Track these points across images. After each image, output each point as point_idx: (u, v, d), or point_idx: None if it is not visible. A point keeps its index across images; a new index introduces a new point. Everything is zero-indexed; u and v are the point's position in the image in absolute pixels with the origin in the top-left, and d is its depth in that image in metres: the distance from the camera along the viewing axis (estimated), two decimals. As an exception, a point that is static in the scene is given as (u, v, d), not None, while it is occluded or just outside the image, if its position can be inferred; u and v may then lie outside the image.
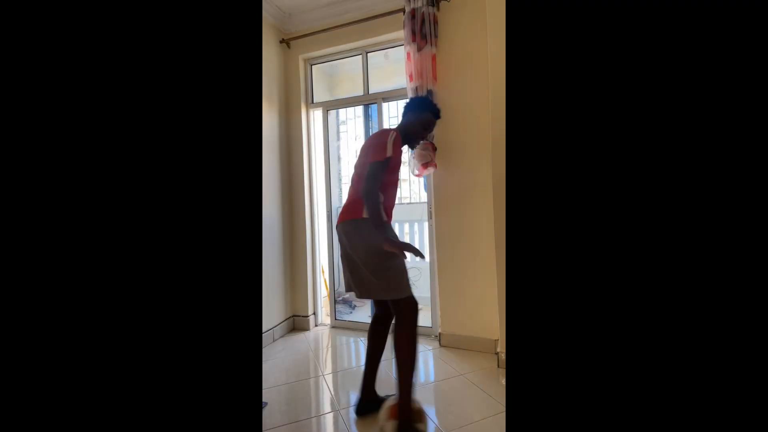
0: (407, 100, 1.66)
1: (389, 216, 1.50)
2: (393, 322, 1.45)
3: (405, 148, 1.77)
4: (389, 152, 1.40)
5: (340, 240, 1.47)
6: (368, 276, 1.37)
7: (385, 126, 2.58)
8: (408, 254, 1.37)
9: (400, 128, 1.57)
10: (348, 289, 1.48)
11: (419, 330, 1.38)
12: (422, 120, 1.57)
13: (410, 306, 1.37)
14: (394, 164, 1.45)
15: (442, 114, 2.12)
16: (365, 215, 1.39)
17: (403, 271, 1.39)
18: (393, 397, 1.41)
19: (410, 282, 1.40)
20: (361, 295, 1.42)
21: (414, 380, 1.35)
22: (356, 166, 1.52)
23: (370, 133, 2.88)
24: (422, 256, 1.37)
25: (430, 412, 1.58)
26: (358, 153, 1.54)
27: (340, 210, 1.52)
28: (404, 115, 1.62)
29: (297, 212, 2.71)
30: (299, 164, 2.70)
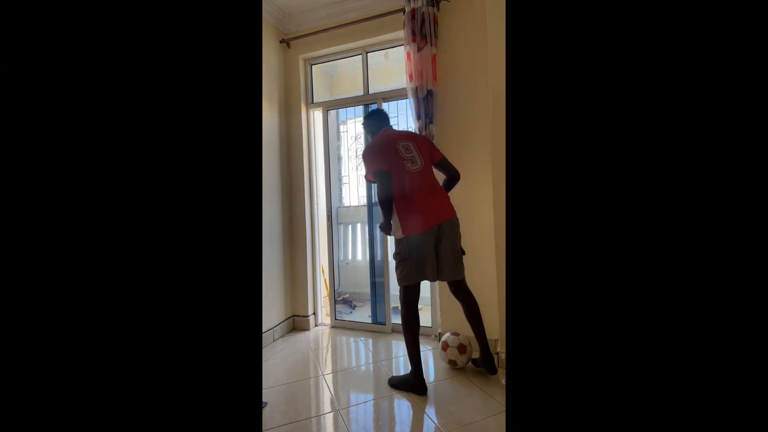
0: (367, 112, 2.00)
1: None
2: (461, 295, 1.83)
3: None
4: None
5: (445, 235, 1.71)
6: (459, 260, 1.77)
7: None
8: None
9: None
10: (449, 275, 1.76)
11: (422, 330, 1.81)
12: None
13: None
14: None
15: (442, 114, 2.18)
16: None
17: None
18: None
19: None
20: (454, 276, 1.77)
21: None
22: (422, 161, 1.74)
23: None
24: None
25: (430, 412, 1.58)
26: (410, 148, 1.76)
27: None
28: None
29: (297, 212, 2.71)
30: (299, 164, 2.69)
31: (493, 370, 1.78)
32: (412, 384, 1.70)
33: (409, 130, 1.99)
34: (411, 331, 1.71)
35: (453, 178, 1.86)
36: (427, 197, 1.71)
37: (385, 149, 1.75)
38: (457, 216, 1.78)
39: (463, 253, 1.80)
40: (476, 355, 1.90)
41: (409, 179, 1.70)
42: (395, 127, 1.95)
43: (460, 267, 1.77)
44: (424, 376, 1.73)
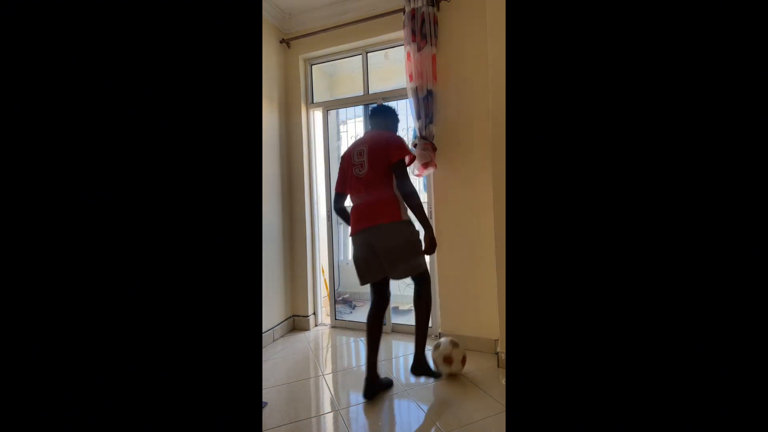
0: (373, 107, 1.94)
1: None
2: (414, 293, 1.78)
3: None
4: (408, 152, 1.71)
5: (372, 241, 1.65)
6: (403, 263, 1.65)
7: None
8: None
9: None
10: (373, 278, 1.71)
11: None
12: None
13: (428, 277, 1.77)
14: (409, 163, 1.78)
15: (442, 114, 2.17)
16: (404, 217, 1.68)
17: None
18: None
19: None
20: (398, 276, 1.69)
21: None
22: (368, 166, 1.69)
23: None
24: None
25: (430, 412, 1.58)
26: (363, 153, 1.73)
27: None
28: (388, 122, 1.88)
29: (297, 212, 2.71)
30: (299, 164, 2.69)
31: (427, 374, 1.80)
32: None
33: (393, 133, 1.84)
34: (368, 330, 1.76)
35: (400, 189, 1.66)
36: (361, 202, 1.73)
37: (343, 161, 1.83)
38: (397, 222, 1.64)
39: (412, 256, 1.65)
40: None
41: (354, 184, 1.76)
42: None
43: (399, 269, 1.64)
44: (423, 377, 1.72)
